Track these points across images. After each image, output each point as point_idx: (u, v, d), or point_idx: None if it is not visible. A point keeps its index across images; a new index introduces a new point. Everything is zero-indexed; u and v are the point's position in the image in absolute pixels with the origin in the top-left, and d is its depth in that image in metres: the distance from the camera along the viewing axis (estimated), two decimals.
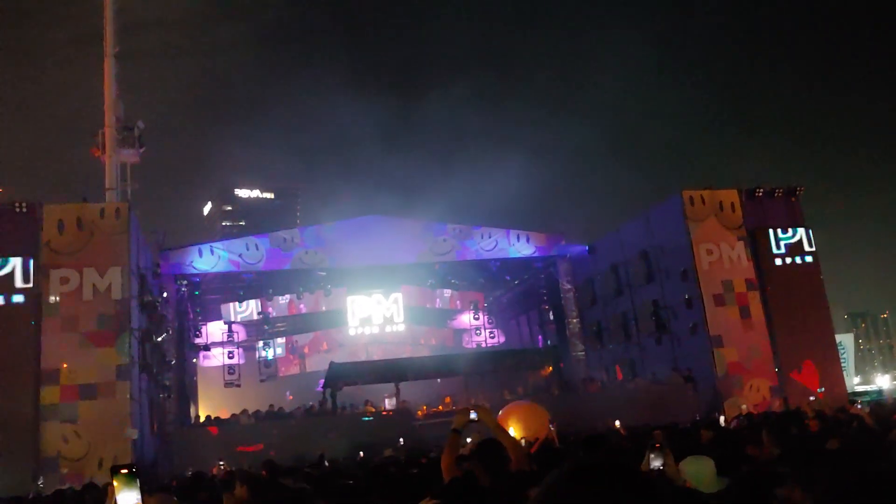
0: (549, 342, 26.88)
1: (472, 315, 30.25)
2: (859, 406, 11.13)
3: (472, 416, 4.16)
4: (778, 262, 20.77)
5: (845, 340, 34.00)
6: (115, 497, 2.05)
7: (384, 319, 28.55)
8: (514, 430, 10.18)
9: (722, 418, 14.38)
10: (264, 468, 8.15)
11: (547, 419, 9.97)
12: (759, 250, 20.63)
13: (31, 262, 15.92)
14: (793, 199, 21.73)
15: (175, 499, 3.88)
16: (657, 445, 2.93)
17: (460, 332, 31.20)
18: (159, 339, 18.68)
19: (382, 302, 28.55)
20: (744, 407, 17.30)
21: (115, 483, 2.03)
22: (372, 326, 28.46)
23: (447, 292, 30.24)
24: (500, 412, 11.97)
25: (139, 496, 2.02)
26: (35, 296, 15.74)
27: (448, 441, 4.14)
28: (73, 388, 15.21)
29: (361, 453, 14.00)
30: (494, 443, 3.99)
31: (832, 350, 21.03)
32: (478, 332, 30.10)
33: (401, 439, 15.47)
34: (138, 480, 2.04)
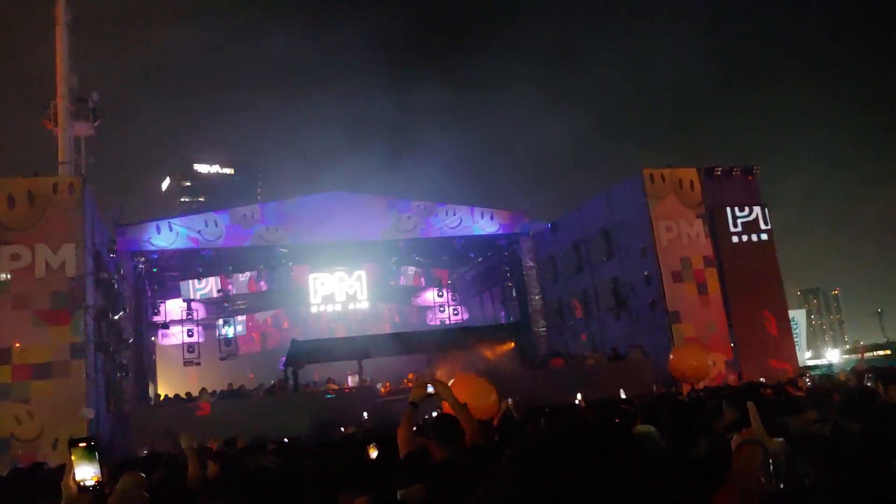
0: (511, 319, 27.12)
1: (436, 292, 30.32)
2: (807, 380, 11.42)
3: (429, 389, 4.18)
4: (735, 239, 21.30)
5: (798, 316, 35.02)
6: (73, 471, 1.94)
7: (347, 297, 28.40)
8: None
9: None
10: (225, 447, 8.08)
11: (494, 395, 9.78)
12: (716, 228, 21.10)
13: None
14: (749, 177, 22.25)
15: (145, 477, 3.79)
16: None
17: (424, 309, 31.25)
18: (116, 317, 18.26)
19: (345, 279, 28.37)
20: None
21: (72, 457, 1.93)
22: (335, 304, 28.29)
23: (411, 269, 30.21)
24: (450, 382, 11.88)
25: (98, 470, 1.94)
26: None
27: (405, 414, 4.15)
28: (25, 368, 14.80)
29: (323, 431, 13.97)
30: (450, 418, 4.00)
31: (785, 325, 21.72)
32: (441, 309, 30.21)
33: (364, 414, 15.49)
34: (97, 454, 1.96)
